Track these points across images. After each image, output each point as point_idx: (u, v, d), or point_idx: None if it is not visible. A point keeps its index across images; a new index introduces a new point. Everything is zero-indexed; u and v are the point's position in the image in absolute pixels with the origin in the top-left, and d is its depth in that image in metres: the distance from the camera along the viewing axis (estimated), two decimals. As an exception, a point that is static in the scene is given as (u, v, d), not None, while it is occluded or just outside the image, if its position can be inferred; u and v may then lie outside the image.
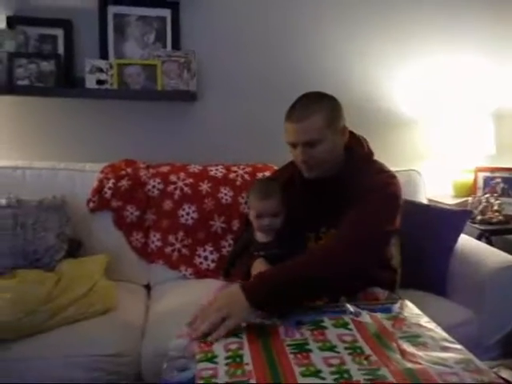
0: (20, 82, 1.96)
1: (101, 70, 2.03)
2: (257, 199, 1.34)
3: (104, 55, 2.10)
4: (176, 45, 2.16)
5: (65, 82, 2.03)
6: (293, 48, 2.27)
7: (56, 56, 2.03)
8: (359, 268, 1.22)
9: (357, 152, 1.40)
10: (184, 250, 1.95)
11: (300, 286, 1.12)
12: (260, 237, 1.36)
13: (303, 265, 1.17)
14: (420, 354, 0.90)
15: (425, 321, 1.05)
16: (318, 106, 1.30)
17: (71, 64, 2.09)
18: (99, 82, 2.02)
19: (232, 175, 2.02)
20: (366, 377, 0.82)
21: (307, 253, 1.28)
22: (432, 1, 2.33)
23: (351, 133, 1.41)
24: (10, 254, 1.66)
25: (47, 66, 2.00)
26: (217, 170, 2.04)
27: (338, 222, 1.27)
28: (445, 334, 0.99)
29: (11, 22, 2.02)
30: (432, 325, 1.03)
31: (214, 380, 0.79)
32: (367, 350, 0.91)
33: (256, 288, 1.09)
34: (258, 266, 1.29)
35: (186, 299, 1.66)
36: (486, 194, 2.29)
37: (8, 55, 1.95)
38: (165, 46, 2.15)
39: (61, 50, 2.07)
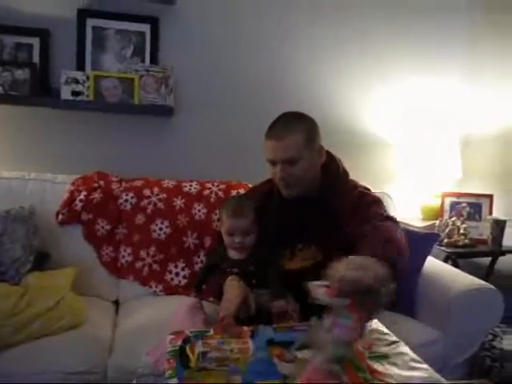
0: (-7, 90, 1.92)
1: (77, 82, 2.01)
2: (228, 216, 1.35)
3: (81, 67, 2.09)
4: (154, 60, 2.16)
5: (39, 91, 2.00)
6: (269, 66, 2.31)
7: (31, 65, 2.00)
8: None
9: (333, 171, 1.44)
10: (155, 266, 1.92)
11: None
12: (232, 254, 1.36)
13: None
14: (389, 373, 0.91)
15: (393, 340, 1.07)
16: (298, 125, 1.34)
17: (46, 74, 2.06)
18: (75, 93, 2.00)
19: (206, 192, 2.02)
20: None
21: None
22: (407, 25, 2.41)
23: (328, 152, 1.45)
24: (-28, 265, 1.60)
25: (21, 74, 1.97)
26: (191, 185, 2.03)
27: (317, 238, 1.31)
28: (412, 354, 1.01)
29: (-14, 29, 1.99)
30: (400, 344, 1.05)
31: None
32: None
33: None
34: (231, 283, 1.29)
35: (154, 316, 1.64)
36: (452, 217, 2.36)
37: (-19, 62, 1.92)
38: (143, 61, 2.15)
39: (36, 59, 2.04)
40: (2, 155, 2.06)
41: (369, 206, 1.36)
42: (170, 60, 2.17)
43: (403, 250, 1.23)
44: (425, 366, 0.96)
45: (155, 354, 1.00)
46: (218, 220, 1.56)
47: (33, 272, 1.67)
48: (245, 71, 2.28)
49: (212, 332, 1.03)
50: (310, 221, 1.37)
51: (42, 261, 1.77)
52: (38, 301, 1.50)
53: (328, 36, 2.35)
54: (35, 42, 2.04)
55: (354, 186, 1.44)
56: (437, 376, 0.91)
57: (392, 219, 1.36)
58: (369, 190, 1.46)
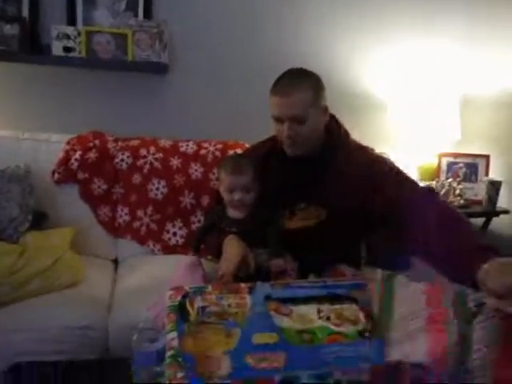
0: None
1: (68, 37, 1.95)
2: (228, 173, 1.33)
3: (72, 21, 2.02)
4: (148, 14, 2.09)
5: (29, 47, 1.94)
6: (267, 25, 2.24)
7: (20, 19, 1.93)
8: None
9: (335, 131, 1.42)
10: (152, 225, 1.93)
11: None
12: (232, 213, 1.36)
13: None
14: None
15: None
16: (305, 83, 1.31)
17: (36, 29, 2.00)
18: (66, 49, 1.95)
19: (203, 151, 2.00)
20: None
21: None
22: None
23: (329, 112, 1.43)
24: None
25: (10, 29, 1.91)
26: (187, 145, 2.01)
27: (320, 198, 1.32)
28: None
29: (-29, -20, 1.91)
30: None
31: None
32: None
33: None
34: (230, 242, 1.30)
35: (153, 274, 1.66)
36: (448, 178, 2.37)
37: (-33, 16, 1.85)
38: (136, 15, 2.08)
39: (25, 13, 1.97)
40: (-7, 113, 2.02)
41: (395, 178, 1.35)
42: (164, 14, 2.10)
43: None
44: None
45: (155, 309, 1.02)
46: (217, 179, 1.55)
47: (31, 231, 1.68)
48: (242, 27, 2.22)
49: (211, 288, 1.05)
50: (313, 180, 1.37)
51: (40, 220, 1.78)
52: (36, 259, 1.51)
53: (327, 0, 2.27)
54: (23, -6, 1.97)
55: (359, 146, 1.44)
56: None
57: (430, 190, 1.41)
58: (373, 149, 1.46)
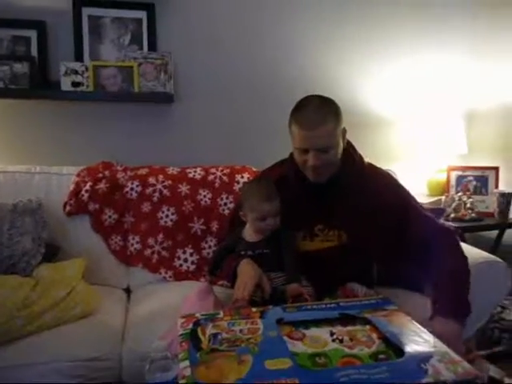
0: (-7, 85, 1.92)
1: (76, 72, 2.01)
2: (261, 201, 1.32)
3: (79, 57, 2.08)
4: (152, 46, 2.15)
5: (39, 84, 2.00)
6: (270, 49, 2.29)
7: (29, 58, 2.00)
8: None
9: (351, 155, 1.45)
10: (164, 253, 1.94)
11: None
12: (249, 236, 1.36)
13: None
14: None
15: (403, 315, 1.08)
16: (327, 112, 1.32)
17: (45, 66, 2.06)
18: (75, 84, 2.00)
19: (210, 177, 2.02)
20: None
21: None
22: (409, 1, 2.37)
23: None
24: (-16, 259, 1.63)
25: (20, 68, 1.97)
26: (195, 171, 2.03)
27: (338, 221, 1.37)
28: (422, 328, 1.01)
29: (-17, 23, 1.98)
30: (410, 320, 1.06)
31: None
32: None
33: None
34: (245, 266, 1.30)
35: (166, 302, 1.65)
36: (458, 192, 2.36)
37: (-20, 57, 1.92)
38: (141, 48, 2.14)
39: (34, 51, 2.04)
40: (5, 150, 2.08)
41: (417, 213, 1.42)
42: (168, 46, 2.15)
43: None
44: (433, 339, 0.97)
45: (168, 337, 1.02)
46: (238, 205, 1.50)
47: (43, 264, 1.69)
48: (245, 55, 2.27)
49: (222, 314, 1.05)
50: (330, 203, 1.39)
51: (52, 253, 1.79)
52: (50, 292, 1.52)
53: (328, 17, 2.31)
54: (32, 34, 2.04)
55: (377, 171, 1.48)
56: (446, 349, 0.92)
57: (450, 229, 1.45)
58: (389, 174, 1.52)
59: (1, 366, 1.35)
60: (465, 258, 1.36)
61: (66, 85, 1.99)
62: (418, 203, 1.47)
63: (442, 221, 1.54)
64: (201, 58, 2.22)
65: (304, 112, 1.33)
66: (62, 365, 1.38)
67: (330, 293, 1.33)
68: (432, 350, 0.91)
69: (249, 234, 1.37)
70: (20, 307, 1.43)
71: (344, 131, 1.40)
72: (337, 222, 1.38)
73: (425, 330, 0.99)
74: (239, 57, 2.26)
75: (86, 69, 2.01)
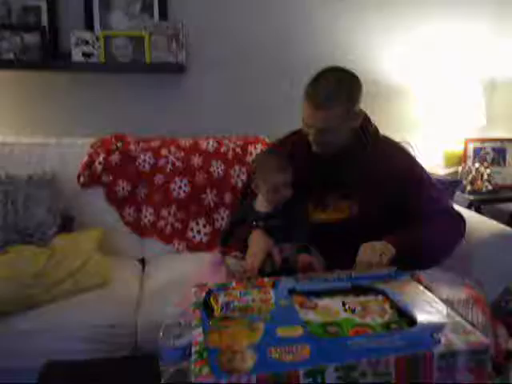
0: (4, 56, 1.91)
1: (87, 43, 1.99)
2: (274, 172, 1.31)
3: (89, 27, 2.06)
4: (163, 15, 2.11)
5: (50, 55, 1.99)
6: (285, 18, 2.23)
7: (40, 28, 1.98)
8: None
9: (367, 128, 1.41)
10: (177, 224, 1.95)
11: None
12: (260, 206, 1.36)
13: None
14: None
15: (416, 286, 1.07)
16: (340, 93, 1.27)
17: (56, 36, 2.04)
18: (85, 54, 1.98)
19: (223, 148, 2.01)
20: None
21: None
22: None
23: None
24: (1, 229, 1.66)
25: (31, 38, 1.95)
26: (208, 143, 2.02)
27: (351, 193, 1.35)
28: (435, 298, 1.01)
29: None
30: (423, 290, 1.05)
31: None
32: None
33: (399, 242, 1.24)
34: (255, 237, 1.30)
35: (179, 272, 1.68)
36: (475, 163, 2.31)
37: (-10, 27, 1.91)
38: (152, 16, 2.10)
39: (45, 21, 2.02)
40: (17, 121, 2.09)
41: (430, 190, 1.41)
42: (180, 14, 2.11)
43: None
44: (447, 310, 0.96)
45: (182, 305, 1.03)
46: (250, 176, 1.47)
47: (59, 234, 1.73)
48: (258, 24, 2.21)
49: (234, 284, 1.05)
50: (342, 175, 1.37)
51: (67, 223, 1.82)
52: (66, 261, 1.55)
53: None
54: (42, 3, 2.01)
55: (392, 144, 1.46)
56: (459, 319, 0.91)
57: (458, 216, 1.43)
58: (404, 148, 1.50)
59: (21, 329, 1.41)
60: (451, 240, 1.38)
61: (77, 55, 1.98)
62: (431, 181, 1.44)
63: (453, 205, 1.50)
64: (213, 26, 2.18)
65: (316, 88, 1.28)
66: (81, 331, 1.43)
67: (343, 269, 1.32)
68: (445, 320, 0.90)
69: (260, 205, 1.36)
70: (37, 276, 1.47)
71: (359, 112, 1.35)
72: (348, 193, 1.37)
73: (438, 300, 0.98)
74: (253, 24, 2.21)
75: (97, 39, 1.99)
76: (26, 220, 1.69)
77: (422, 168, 1.45)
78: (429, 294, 1.02)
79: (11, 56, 1.92)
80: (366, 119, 1.43)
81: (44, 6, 2.01)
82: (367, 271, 1.14)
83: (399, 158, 1.42)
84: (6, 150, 1.88)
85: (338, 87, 1.28)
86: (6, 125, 2.06)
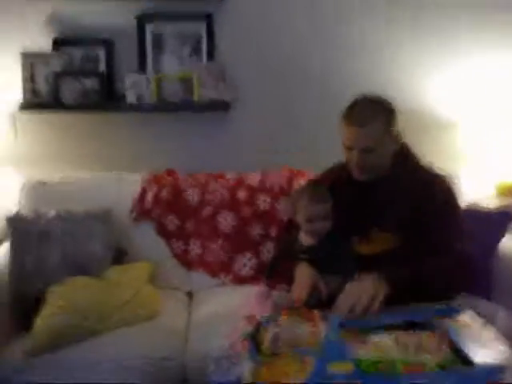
0: (67, 100, 2.06)
1: (140, 85, 2.11)
2: (310, 203, 1.33)
3: (143, 70, 2.18)
4: (211, 57, 2.21)
5: (107, 97, 2.12)
6: (325, 54, 2.27)
7: (98, 74, 2.13)
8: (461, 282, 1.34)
9: (406, 156, 1.42)
10: (223, 257, 1.98)
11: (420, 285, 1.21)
12: (305, 240, 1.36)
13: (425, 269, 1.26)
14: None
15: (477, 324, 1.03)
16: (378, 112, 1.32)
17: (112, 80, 2.18)
18: (139, 96, 2.11)
19: (269, 182, 2.04)
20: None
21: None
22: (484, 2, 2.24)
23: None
24: (60, 264, 1.73)
25: (90, 83, 2.10)
26: (254, 177, 2.06)
27: (390, 223, 1.33)
28: (497, 338, 0.96)
29: (57, 43, 2.13)
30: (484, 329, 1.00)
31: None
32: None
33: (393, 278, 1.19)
34: (301, 269, 1.30)
35: (226, 305, 1.69)
36: (530, 195, 2.21)
37: (54, 75, 2.06)
38: (201, 59, 2.21)
39: (102, 67, 2.16)
40: (78, 159, 2.19)
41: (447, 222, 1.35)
42: (227, 56, 2.21)
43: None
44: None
45: (230, 337, 1.04)
46: (291, 207, 1.52)
47: (112, 267, 1.79)
48: (299, 60, 2.26)
49: (282, 316, 1.06)
50: (384, 205, 1.36)
51: (120, 257, 1.89)
52: (119, 293, 1.60)
53: (389, 14, 2.23)
54: (101, 52, 2.16)
55: (430, 171, 1.43)
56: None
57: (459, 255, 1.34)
58: (449, 179, 1.44)
59: (75, 361, 1.44)
60: (445, 278, 1.29)
61: (131, 97, 2.10)
62: (459, 218, 1.39)
63: (464, 251, 1.36)
64: (258, 65, 2.25)
65: (354, 108, 1.34)
66: (129, 363, 1.44)
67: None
68: (504, 362, 0.86)
69: (305, 237, 1.37)
70: (91, 307, 1.52)
71: (397, 135, 1.37)
72: (389, 224, 1.36)
73: (499, 341, 0.94)
74: (294, 63, 2.26)
75: (149, 81, 2.11)
76: (82, 252, 1.77)
77: (455, 200, 1.40)
78: (490, 333, 0.97)
79: (72, 100, 2.07)
80: (407, 147, 1.44)
81: (102, 54, 2.16)
82: (349, 316, 1.07)
83: (437, 188, 1.38)
84: (66, 187, 1.99)
85: (375, 107, 1.33)
86: (66, 163, 2.18)
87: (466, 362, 0.86)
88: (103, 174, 2.09)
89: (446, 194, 1.40)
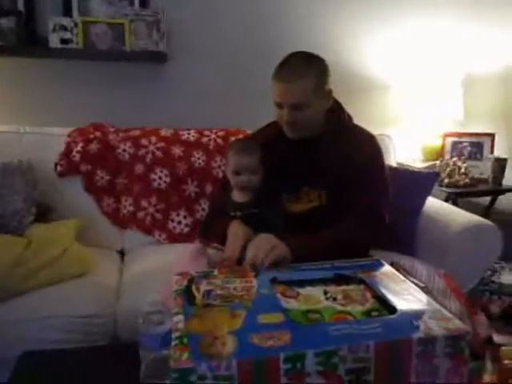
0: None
1: (65, 29, 1.94)
2: (236, 154, 1.33)
3: (67, 12, 2.01)
4: (144, 3, 2.07)
5: (26, 40, 1.93)
6: (266, 10, 2.22)
7: (16, 12, 1.92)
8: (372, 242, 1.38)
9: (339, 115, 1.43)
10: (157, 215, 1.93)
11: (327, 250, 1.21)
12: (237, 197, 1.36)
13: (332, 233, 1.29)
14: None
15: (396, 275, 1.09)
16: (308, 69, 1.30)
17: (32, 21, 1.99)
18: (63, 41, 1.94)
19: (205, 139, 2.00)
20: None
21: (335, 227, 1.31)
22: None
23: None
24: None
25: (7, 23, 1.90)
26: (189, 134, 2.01)
27: (322, 181, 1.35)
28: (415, 287, 1.02)
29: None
30: (403, 279, 1.06)
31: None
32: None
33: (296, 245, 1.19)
34: (234, 227, 1.30)
35: (160, 263, 1.67)
36: (453, 157, 2.35)
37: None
38: (132, 4, 2.06)
39: (21, 5, 1.96)
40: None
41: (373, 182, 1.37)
42: (161, 2, 2.08)
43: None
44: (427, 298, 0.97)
45: (162, 292, 1.02)
46: (224, 164, 1.54)
47: (35, 224, 1.69)
48: (242, 14, 2.20)
49: (216, 272, 1.05)
50: (315, 164, 1.37)
51: (44, 213, 1.79)
52: (44, 251, 1.52)
53: None
54: (18, -13, 1.95)
55: (361, 132, 1.44)
56: (438, 307, 0.93)
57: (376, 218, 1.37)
58: (376, 140, 1.44)
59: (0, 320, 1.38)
60: (360, 240, 1.33)
61: (54, 42, 1.93)
62: (384, 177, 1.41)
63: (381, 208, 1.39)
64: (195, 15, 2.15)
65: (284, 66, 1.32)
66: (59, 321, 1.41)
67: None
68: (424, 307, 0.92)
69: (238, 195, 1.37)
70: (13, 265, 1.44)
71: (329, 92, 1.37)
72: (318, 182, 1.39)
73: (418, 289, 1.00)
74: (236, 16, 2.19)
75: (76, 25, 1.94)
76: (2, 208, 1.65)
77: (382, 161, 1.43)
78: (409, 282, 1.03)
79: (-15, 40, 1.87)
80: (339, 107, 1.45)
81: (20, -10, 1.95)
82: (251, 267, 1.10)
83: (366, 147, 1.40)
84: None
85: (306, 63, 1.32)
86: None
87: (390, 309, 0.91)
88: (23, 126, 1.93)
89: (374, 154, 1.42)
